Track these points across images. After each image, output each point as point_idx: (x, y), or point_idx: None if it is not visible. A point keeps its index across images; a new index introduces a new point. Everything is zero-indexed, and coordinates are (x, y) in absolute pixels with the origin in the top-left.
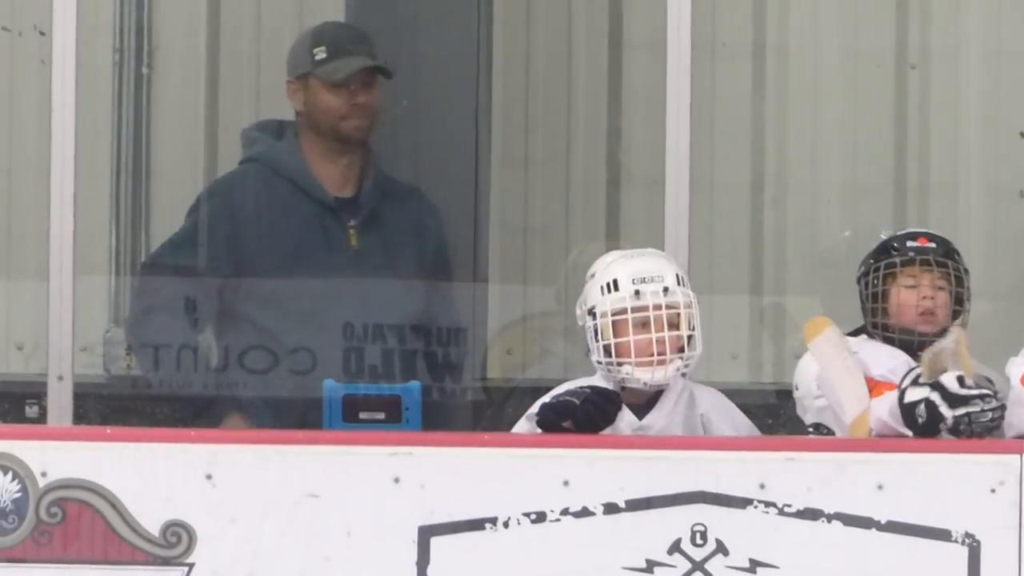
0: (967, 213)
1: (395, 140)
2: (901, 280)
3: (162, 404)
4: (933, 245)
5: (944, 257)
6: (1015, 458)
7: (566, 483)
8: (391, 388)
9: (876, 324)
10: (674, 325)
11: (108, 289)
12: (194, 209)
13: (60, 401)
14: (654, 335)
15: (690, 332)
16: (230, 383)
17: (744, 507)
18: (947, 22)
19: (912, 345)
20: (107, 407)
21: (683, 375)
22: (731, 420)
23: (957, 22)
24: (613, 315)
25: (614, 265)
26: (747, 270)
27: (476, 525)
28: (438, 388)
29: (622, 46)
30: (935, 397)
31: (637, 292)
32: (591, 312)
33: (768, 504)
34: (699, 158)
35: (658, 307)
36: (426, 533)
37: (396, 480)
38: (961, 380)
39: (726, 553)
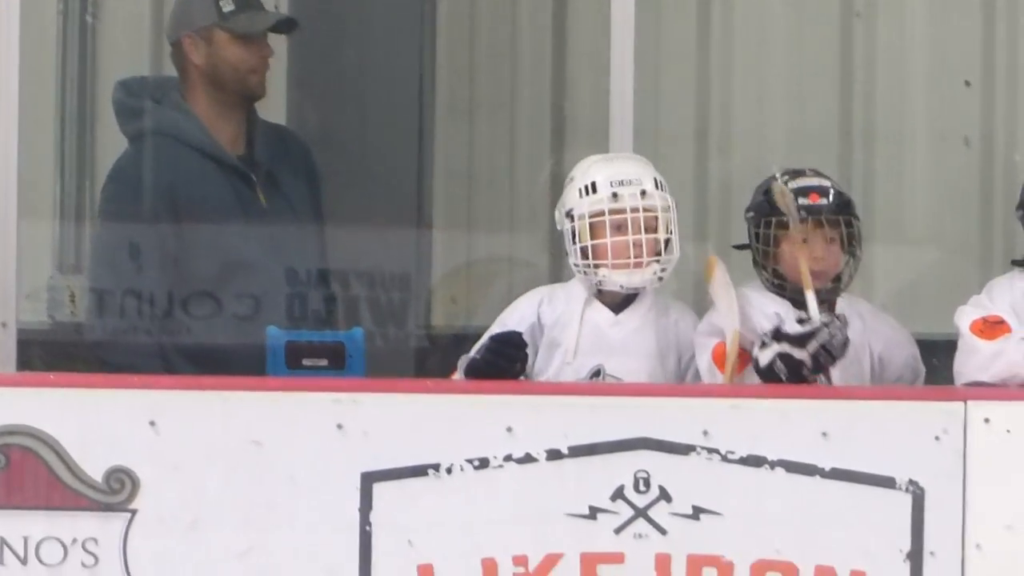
0: (913, 161)
1: (339, 88)
2: (793, 237)
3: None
4: (825, 202)
5: (836, 213)
6: (959, 406)
7: (509, 429)
8: (334, 335)
9: (767, 273)
10: (651, 228)
11: (53, 236)
12: (107, 202)
13: (4, 348)
14: (631, 237)
15: (667, 236)
16: (173, 329)
17: (687, 454)
18: None
19: (802, 303)
20: (51, 354)
21: (660, 279)
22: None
23: None
24: (591, 217)
25: (592, 168)
26: (691, 219)
27: (419, 471)
28: (381, 335)
29: None
30: (784, 347)
31: (615, 195)
32: (569, 215)
33: (711, 451)
34: (643, 106)
35: (635, 210)
36: (369, 479)
37: (339, 427)
38: (800, 319)
39: (669, 500)
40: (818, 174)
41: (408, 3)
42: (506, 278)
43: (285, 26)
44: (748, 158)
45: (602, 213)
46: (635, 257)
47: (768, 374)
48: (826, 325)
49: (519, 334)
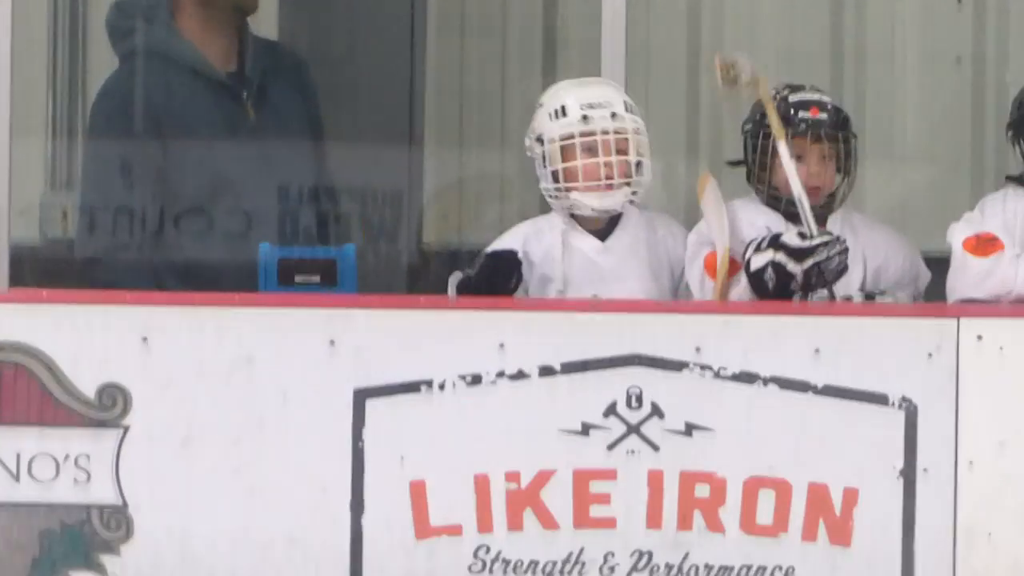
0: (904, 81)
1: (331, 5)
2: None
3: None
4: (824, 116)
5: (834, 129)
6: (952, 323)
7: (502, 346)
8: (326, 251)
9: (762, 187)
10: (622, 151)
11: (45, 153)
12: (96, 122)
13: None
14: (601, 159)
15: (638, 158)
16: (164, 247)
17: (680, 370)
18: None
19: (795, 216)
20: (43, 271)
21: (631, 202)
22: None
23: None
24: (561, 140)
25: (562, 92)
26: (684, 136)
27: (411, 388)
28: (373, 251)
29: None
30: (780, 257)
31: (585, 117)
32: (539, 139)
33: (704, 367)
34: (635, 23)
35: (606, 132)
36: (361, 396)
37: (331, 343)
38: (802, 234)
39: (662, 416)
40: (817, 90)
41: None
42: (497, 195)
43: None
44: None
45: (572, 136)
46: (606, 179)
47: (756, 280)
48: (826, 245)
49: (514, 252)
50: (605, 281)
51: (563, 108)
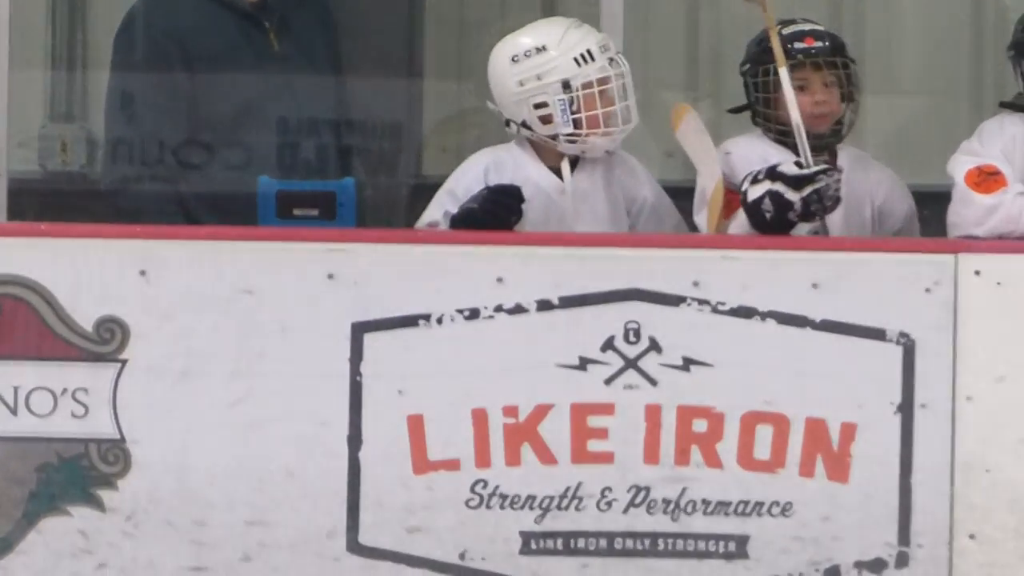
0: (901, 8)
1: None
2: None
3: (98, 200)
4: (820, 44)
5: (831, 55)
6: (950, 258)
7: (500, 280)
8: (325, 184)
9: (770, 124)
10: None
11: (45, 84)
12: (118, 52)
13: None
14: (622, 104)
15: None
16: (165, 178)
17: (678, 305)
18: None
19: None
20: (43, 203)
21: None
22: (646, 178)
23: None
24: (598, 85)
25: (571, 35)
26: (682, 68)
27: (410, 321)
28: (372, 184)
29: None
30: (777, 186)
31: (611, 60)
32: (566, 85)
33: (702, 302)
34: None
35: (622, 75)
36: (359, 329)
37: (330, 276)
38: (798, 164)
39: (659, 351)
40: (809, 22)
41: None
42: (497, 127)
43: None
44: (738, 9)
45: (608, 80)
46: (624, 123)
47: (754, 212)
48: (824, 173)
49: (518, 188)
50: (563, 222)
51: (589, 53)
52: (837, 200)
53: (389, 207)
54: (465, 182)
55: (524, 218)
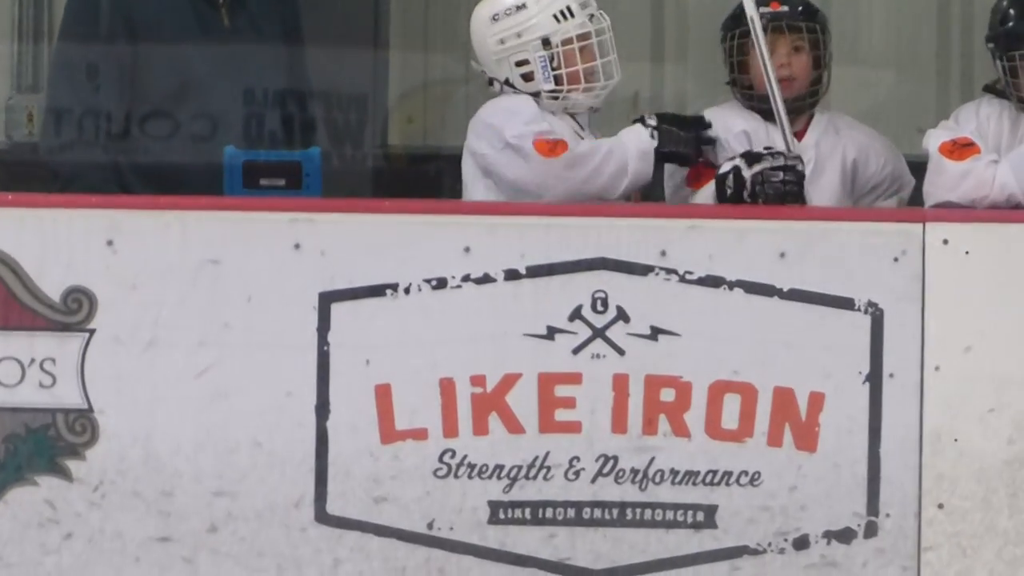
0: None
1: None
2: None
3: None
4: (785, 9)
5: (796, 19)
6: (918, 227)
7: (467, 250)
8: (291, 155)
9: (739, 88)
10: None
11: (10, 56)
12: (68, 19)
13: None
14: (606, 59)
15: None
16: (131, 149)
17: (645, 274)
18: None
19: (770, 112)
20: (9, 174)
21: None
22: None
23: None
24: (579, 41)
25: None
26: (648, 37)
27: (377, 291)
28: (338, 154)
29: None
30: (739, 161)
31: (592, 16)
32: (546, 42)
33: (669, 271)
34: None
35: (602, 32)
36: (327, 299)
37: (297, 246)
38: (769, 148)
39: (627, 320)
40: None
41: None
42: (462, 98)
43: None
44: None
45: (588, 36)
46: (606, 79)
47: (720, 186)
48: (772, 156)
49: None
50: None
51: (568, 9)
52: (783, 195)
53: (355, 177)
54: (534, 108)
55: None
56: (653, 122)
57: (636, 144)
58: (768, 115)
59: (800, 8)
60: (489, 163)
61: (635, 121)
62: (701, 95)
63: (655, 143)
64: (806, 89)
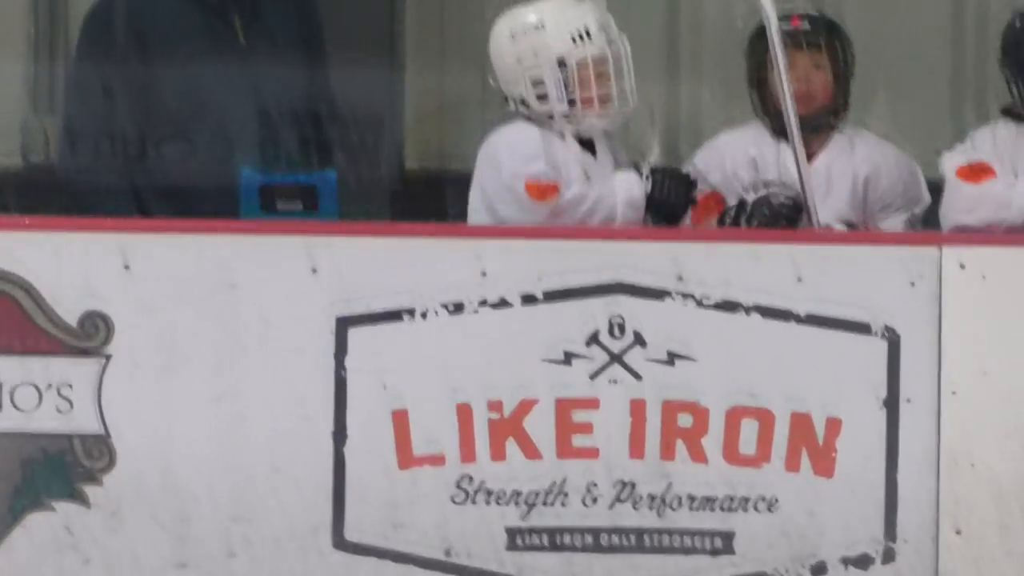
0: (888, 3)
1: None
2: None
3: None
4: (807, 26)
5: (816, 37)
6: (935, 251)
7: (484, 274)
8: (307, 177)
9: (757, 108)
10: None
11: (27, 76)
12: (84, 40)
13: None
14: (626, 84)
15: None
16: (148, 170)
17: (662, 298)
18: None
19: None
20: (26, 196)
21: None
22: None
23: None
24: (595, 64)
25: (570, 12)
26: (664, 57)
27: (394, 316)
28: (355, 177)
29: None
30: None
31: (610, 40)
32: (561, 63)
33: (686, 296)
34: None
35: (621, 56)
36: (344, 324)
37: (314, 270)
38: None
39: (644, 345)
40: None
41: None
42: (479, 118)
43: None
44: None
45: (605, 60)
46: (621, 105)
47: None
48: (765, 187)
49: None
50: None
51: (587, 30)
52: (779, 215)
53: (372, 199)
54: (536, 145)
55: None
56: (647, 170)
57: (626, 193)
58: (785, 133)
59: (821, 25)
60: (488, 195)
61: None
62: (716, 113)
63: (646, 191)
64: (826, 106)
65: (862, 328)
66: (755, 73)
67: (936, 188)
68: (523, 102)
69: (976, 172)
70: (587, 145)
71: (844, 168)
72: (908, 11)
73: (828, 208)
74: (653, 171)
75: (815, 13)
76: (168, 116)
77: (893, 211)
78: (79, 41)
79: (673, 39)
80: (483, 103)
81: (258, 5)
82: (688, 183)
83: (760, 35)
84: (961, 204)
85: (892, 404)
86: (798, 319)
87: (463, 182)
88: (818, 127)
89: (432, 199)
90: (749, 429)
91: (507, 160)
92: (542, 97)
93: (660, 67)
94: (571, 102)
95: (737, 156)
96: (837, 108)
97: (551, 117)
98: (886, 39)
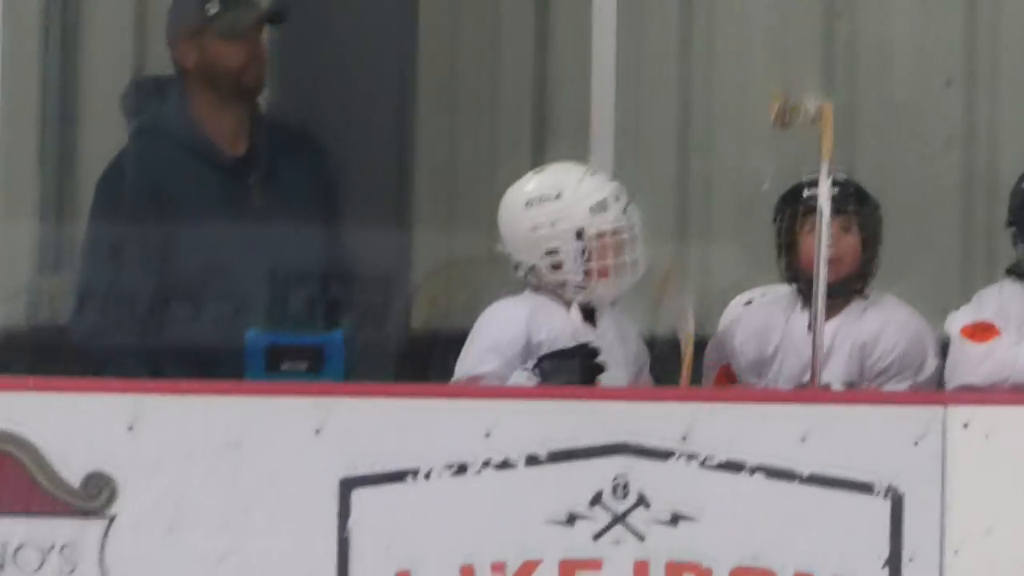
0: (893, 162)
1: (320, 84)
2: (805, 227)
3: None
4: (836, 190)
5: (845, 202)
6: (939, 410)
7: (488, 435)
8: (313, 338)
9: (783, 273)
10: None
11: (34, 236)
12: (98, 200)
13: None
14: (635, 255)
15: None
16: (159, 331)
17: (666, 459)
18: None
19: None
20: (31, 356)
21: None
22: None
23: None
24: (613, 235)
25: (587, 183)
26: (672, 221)
27: (397, 477)
28: (361, 337)
29: None
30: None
31: (625, 210)
32: (579, 234)
33: (690, 456)
34: (625, 105)
35: (635, 226)
36: (348, 485)
37: (317, 431)
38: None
39: (648, 506)
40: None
41: (391, 3)
42: (487, 279)
43: (273, 18)
44: (728, 155)
45: (621, 230)
46: (632, 275)
47: None
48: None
49: (597, 348)
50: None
51: (603, 202)
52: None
53: (378, 359)
54: (509, 336)
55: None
56: (530, 366)
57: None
58: (809, 298)
59: (851, 191)
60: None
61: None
62: (728, 275)
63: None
64: (853, 272)
65: (865, 488)
66: (784, 238)
67: (944, 348)
68: (534, 270)
69: (981, 331)
70: (588, 313)
71: (848, 333)
72: (919, 171)
73: (829, 372)
74: (540, 361)
75: (842, 177)
76: (179, 276)
77: (889, 378)
78: (93, 201)
79: (681, 203)
80: (489, 264)
81: (275, 166)
82: (580, 351)
83: (789, 199)
84: (966, 363)
85: (895, 563)
86: (801, 479)
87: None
88: (845, 293)
89: (437, 359)
90: None
91: (475, 342)
92: (556, 266)
93: (668, 229)
94: (586, 272)
95: (747, 330)
96: (865, 274)
97: (562, 285)
98: (897, 200)
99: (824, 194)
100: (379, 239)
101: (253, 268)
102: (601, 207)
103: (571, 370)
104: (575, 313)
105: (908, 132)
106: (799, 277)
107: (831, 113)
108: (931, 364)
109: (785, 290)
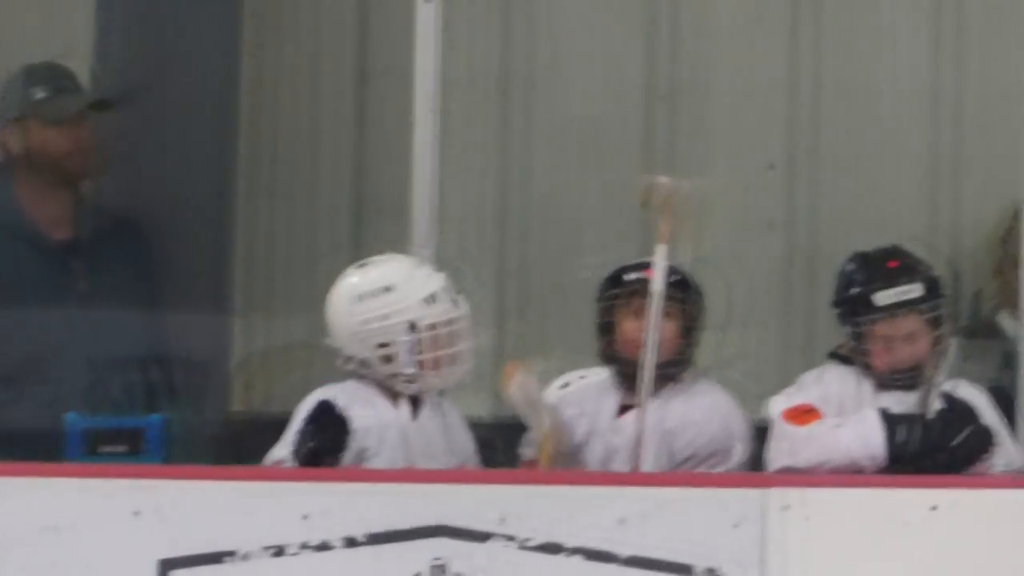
0: (716, 246)
1: (140, 170)
2: (625, 311)
3: None
4: (638, 275)
5: (668, 289)
6: (758, 492)
7: (305, 517)
8: (133, 421)
9: (602, 354)
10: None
11: None
12: None
13: None
14: (468, 343)
15: None
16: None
17: (485, 540)
18: (698, 55)
19: (633, 377)
20: None
21: None
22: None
23: (709, 54)
24: (446, 326)
25: (419, 276)
26: (492, 306)
27: (215, 558)
28: (180, 420)
29: (368, 76)
30: None
31: (455, 302)
32: (412, 326)
33: (509, 538)
34: (447, 191)
35: (464, 317)
36: (166, 566)
37: (136, 513)
38: None
39: None
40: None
41: (210, 87)
42: (305, 363)
43: (98, 106)
44: (549, 241)
45: (452, 322)
46: (462, 364)
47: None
48: None
49: (343, 420)
50: (414, 457)
51: (434, 294)
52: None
53: (197, 443)
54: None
55: (375, 454)
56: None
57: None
58: (624, 381)
59: (673, 280)
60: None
61: None
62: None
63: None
64: (671, 358)
65: (684, 570)
66: (604, 319)
67: (764, 432)
68: (364, 363)
69: (801, 414)
70: (412, 402)
71: (657, 418)
72: (741, 253)
73: (644, 457)
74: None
75: (658, 266)
76: (3, 360)
77: (697, 464)
78: None
79: (502, 288)
80: (308, 347)
81: (98, 251)
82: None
83: (611, 282)
84: (787, 447)
85: None
86: (620, 561)
87: (286, 426)
88: (661, 378)
89: (255, 443)
90: None
91: (291, 429)
92: (388, 359)
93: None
94: (419, 364)
95: (571, 411)
96: (683, 360)
97: (393, 377)
98: (716, 285)
99: (659, 279)
100: (199, 324)
101: (75, 352)
102: (432, 299)
103: (323, 442)
104: (403, 407)
105: (730, 215)
106: (616, 359)
107: (680, 196)
108: (739, 450)
109: (604, 373)
